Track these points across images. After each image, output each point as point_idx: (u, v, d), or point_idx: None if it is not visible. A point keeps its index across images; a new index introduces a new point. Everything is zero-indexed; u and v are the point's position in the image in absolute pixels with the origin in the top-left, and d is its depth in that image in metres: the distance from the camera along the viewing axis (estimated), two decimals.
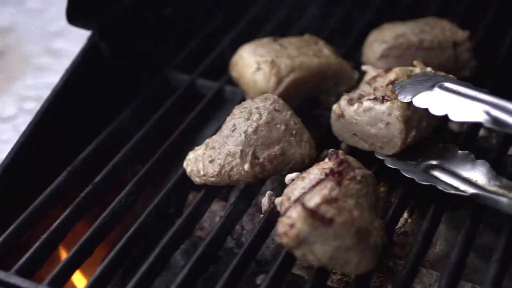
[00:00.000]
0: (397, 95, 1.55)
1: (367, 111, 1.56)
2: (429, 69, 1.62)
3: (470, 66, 1.86)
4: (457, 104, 1.45)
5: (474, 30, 1.95)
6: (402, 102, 1.53)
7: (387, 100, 1.54)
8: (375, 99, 1.56)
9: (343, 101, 1.63)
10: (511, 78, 1.88)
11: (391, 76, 1.61)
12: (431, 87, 1.51)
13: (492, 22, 2.06)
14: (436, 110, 1.48)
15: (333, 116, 1.65)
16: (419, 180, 1.51)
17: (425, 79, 1.56)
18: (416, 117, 1.54)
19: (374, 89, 1.60)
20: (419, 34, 1.84)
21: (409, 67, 1.63)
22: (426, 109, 1.52)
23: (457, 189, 1.47)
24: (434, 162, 1.55)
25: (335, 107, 1.64)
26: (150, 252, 1.48)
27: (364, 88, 1.64)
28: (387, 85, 1.59)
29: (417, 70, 1.61)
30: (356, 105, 1.58)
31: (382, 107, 1.54)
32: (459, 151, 1.55)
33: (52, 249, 1.52)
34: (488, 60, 1.91)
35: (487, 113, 1.38)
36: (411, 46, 1.82)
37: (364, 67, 1.72)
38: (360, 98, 1.60)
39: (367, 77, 1.68)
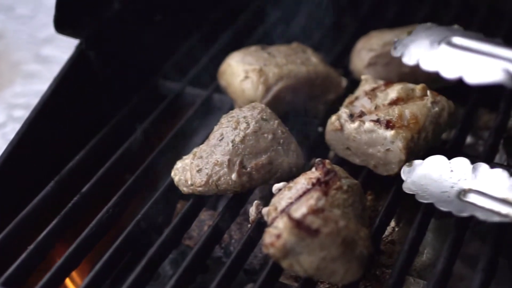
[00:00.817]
0: (400, 57, 1.46)
1: (369, 132, 1.55)
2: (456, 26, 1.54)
3: None
4: (471, 63, 1.33)
5: None
6: (406, 133, 1.52)
7: (392, 127, 1.53)
8: (378, 121, 1.55)
9: (344, 115, 1.61)
10: (498, 86, 1.88)
11: (392, 94, 1.60)
12: (437, 44, 1.40)
13: (479, 30, 2.07)
14: (448, 73, 1.35)
15: (330, 127, 1.63)
16: (456, 212, 1.38)
17: (428, 34, 1.47)
18: (417, 148, 1.55)
19: (376, 108, 1.59)
20: None
21: (410, 85, 1.62)
22: (426, 139, 1.54)
23: (498, 213, 1.35)
24: (467, 186, 1.44)
25: (334, 119, 1.62)
26: (138, 262, 1.48)
27: (363, 101, 1.62)
28: (389, 104, 1.58)
29: (418, 90, 1.61)
30: (357, 123, 1.57)
31: (385, 133, 1.53)
32: (491, 169, 1.45)
33: (39, 260, 1.52)
34: None
35: (507, 71, 1.27)
36: None
37: (363, 77, 1.71)
38: (361, 115, 1.59)
39: (366, 87, 1.66)
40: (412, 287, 1.57)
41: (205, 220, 1.77)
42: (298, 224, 1.29)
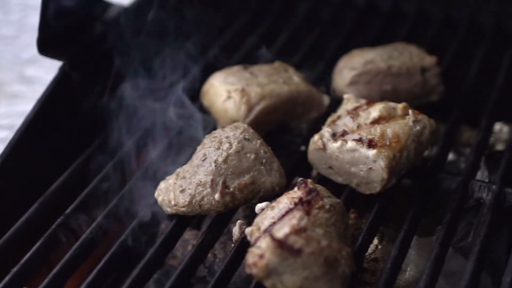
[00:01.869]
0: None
1: (351, 151, 1.56)
2: None
3: (438, 91, 1.88)
4: None
5: (442, 56, 1.98)
6: (388, 152, 1.53)
7: (374, 146, 1.54)
8: (360, 140, 1.55)
9: (326, 134, 1.61)
10: (479, 103, 1.90)
11: (374, 113, 1.61)
12: None
13: (460, 47, 2.09)
14: None
15: (312, 146, 1.63)
16: None
17: None
18: (399, 167, 1.56)
19: (358, 127, 1.60)
20: (387, 60, 1.86)
21: (392, 104, 1.63)
22: (408, 157, 1.56)
23: None
24: None
25: (316, 138, 1.62)
26: (122, 283, 1.48)
27: (346, 120, 1.63)
28: (372, 123, 1.59)
29: (400, 109, 1.62)
30: (339, 143, 1.57)
31: (367, 152, 1.54)
32: None
33: (22, 283, 1.52)
34: (456, 85, 1.93)
35: None
36: (379, 73, 1.85)
37: (345, 96, 1.71)
38: (343, 134, 1.59)
39: (348, 106, 1.67)
40: None
41: (189, 239, 1.77)
42: (281, 244, 1.29)
